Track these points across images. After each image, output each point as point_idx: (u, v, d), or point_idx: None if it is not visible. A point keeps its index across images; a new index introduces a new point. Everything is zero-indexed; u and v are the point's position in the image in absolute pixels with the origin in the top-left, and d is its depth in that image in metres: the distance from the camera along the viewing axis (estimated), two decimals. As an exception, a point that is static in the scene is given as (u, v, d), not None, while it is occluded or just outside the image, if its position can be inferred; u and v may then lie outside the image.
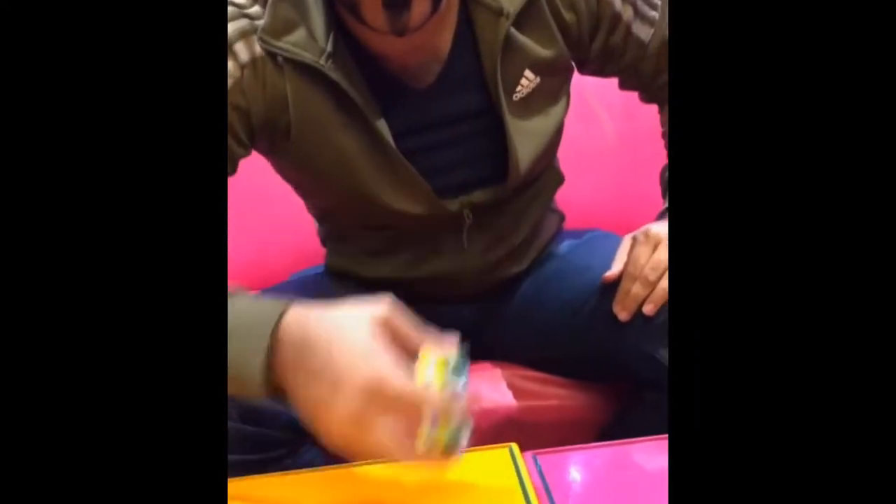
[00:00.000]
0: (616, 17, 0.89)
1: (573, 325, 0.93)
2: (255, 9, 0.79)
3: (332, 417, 0.55)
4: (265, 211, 1.25)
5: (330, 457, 0.93)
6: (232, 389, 0.60)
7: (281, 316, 0.57)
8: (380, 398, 0.53)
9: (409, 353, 0.56)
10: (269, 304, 0.59)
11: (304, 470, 0.69)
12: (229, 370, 0.55)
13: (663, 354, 0.84)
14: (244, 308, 0.59)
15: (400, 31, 0.76)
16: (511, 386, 0.97)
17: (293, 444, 0.88)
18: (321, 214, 0.99)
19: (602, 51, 0.91)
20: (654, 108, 1.03)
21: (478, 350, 1.00)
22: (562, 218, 1.05)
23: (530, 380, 0.98)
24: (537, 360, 1.00)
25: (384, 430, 0.53)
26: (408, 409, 0.53)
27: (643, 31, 0.91)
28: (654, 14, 0.92)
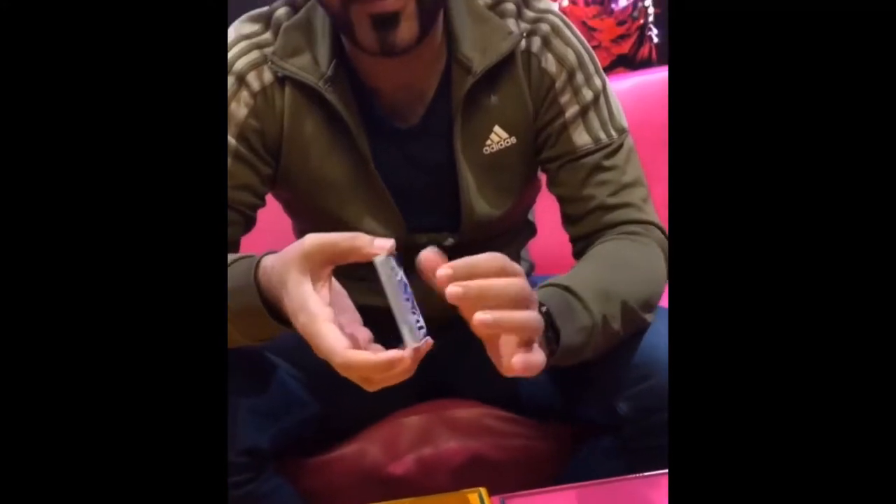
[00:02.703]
0: (560, 106, 0.89)
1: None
2: (266, 36, 0.89)
3: None
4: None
5: (295, 486, 0.94)
6: (261, 337, 0.77)
7: (255, 274, 0.70)
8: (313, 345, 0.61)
9: (352, 259, 0.65)
10: (243, 266, 0.72)
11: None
12: (248, 327, 0.72)
13: (622, 406, 0.86)
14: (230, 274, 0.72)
15: (389, 50, 0.81)
16: (477, 425, 0.99)
17: (253, 469, 0.88)
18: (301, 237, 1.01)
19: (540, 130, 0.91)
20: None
21: (443, 386, 1.01)
22: (531, 266, 1.08)
23: (496, 419, 1.00)
24: (502, 399, 1.01)
25: None
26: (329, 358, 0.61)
27: (580, 136, 0.89)
28: (604, 136, 0.90)
